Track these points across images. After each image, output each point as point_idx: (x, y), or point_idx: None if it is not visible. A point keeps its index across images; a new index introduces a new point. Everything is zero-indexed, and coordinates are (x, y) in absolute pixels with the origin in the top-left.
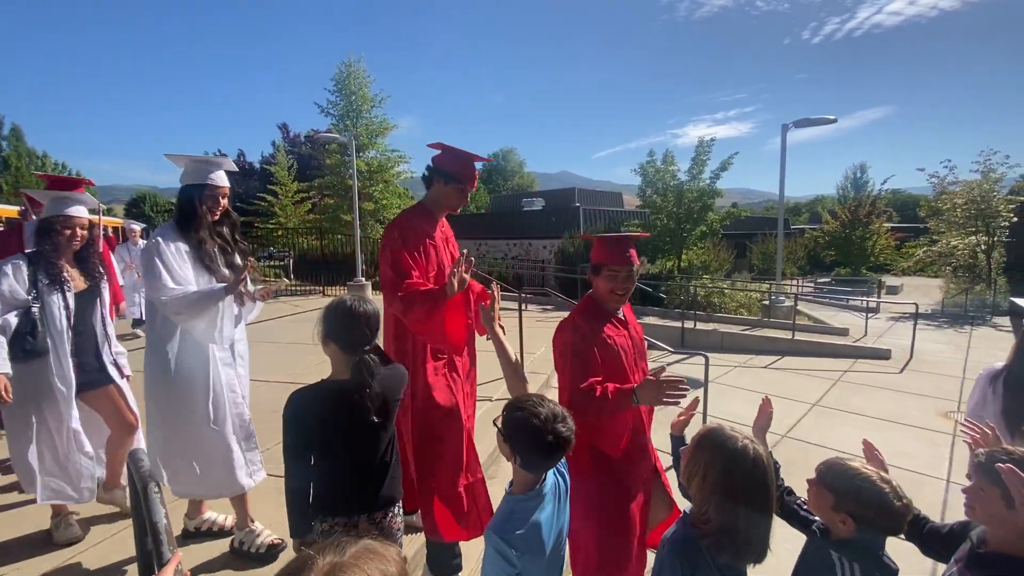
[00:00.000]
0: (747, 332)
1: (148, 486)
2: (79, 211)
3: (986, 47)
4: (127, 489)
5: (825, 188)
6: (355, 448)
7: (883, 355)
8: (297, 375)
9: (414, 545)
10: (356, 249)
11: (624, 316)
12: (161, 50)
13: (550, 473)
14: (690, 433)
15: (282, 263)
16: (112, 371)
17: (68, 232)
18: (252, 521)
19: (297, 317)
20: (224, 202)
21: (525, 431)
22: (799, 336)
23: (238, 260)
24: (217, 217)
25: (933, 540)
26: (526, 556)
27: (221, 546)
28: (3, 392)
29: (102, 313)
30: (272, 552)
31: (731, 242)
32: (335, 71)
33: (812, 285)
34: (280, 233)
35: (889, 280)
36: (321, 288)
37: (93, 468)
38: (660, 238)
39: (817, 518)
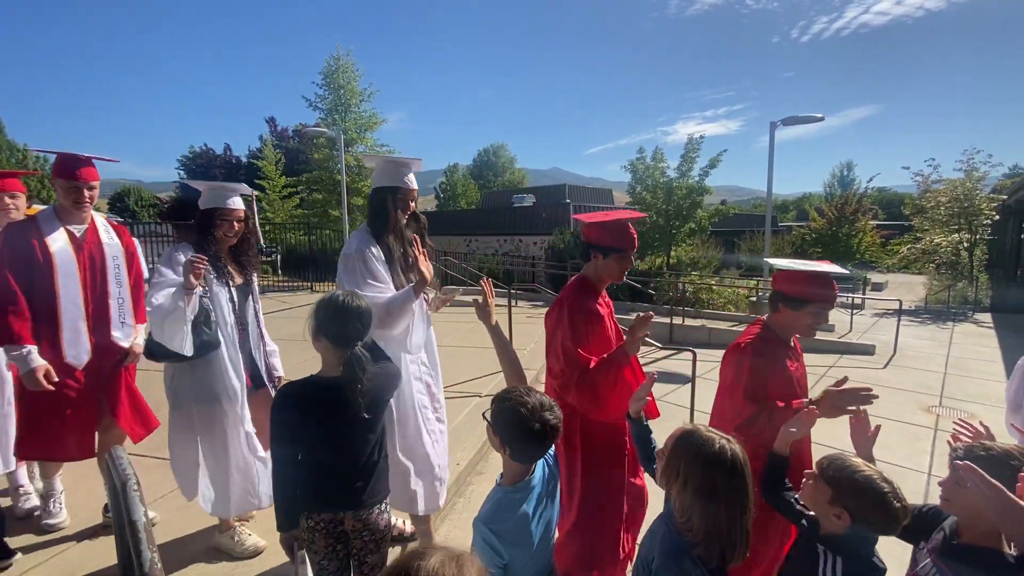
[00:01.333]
0: (735, 328)
1: (127, 484)
2: (237, 203)
3: (970, 48)
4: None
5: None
6: (344, 444)
7: (868, 351)
8: (285, 371)
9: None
10: (343, 243)
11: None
12: (144, 41)
13: (540, 466)
14: (662, 430)
15: (269, 259)
16: (264, 375)
17: (227, 225)
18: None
19: (285, 313)
20: (414, 205)
21: (513, 421)
22: None
23: (422, 265)
24: (406, 220)
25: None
26: (514, 547)
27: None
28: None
29: (255, 308)
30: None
31: (720, 239)
32: (324, 64)
33: None
34: (267, 228)
35: (874, 277)
36: (309, 284)
37: (267, 474)
38: (649, 235)
39: (811, 512)
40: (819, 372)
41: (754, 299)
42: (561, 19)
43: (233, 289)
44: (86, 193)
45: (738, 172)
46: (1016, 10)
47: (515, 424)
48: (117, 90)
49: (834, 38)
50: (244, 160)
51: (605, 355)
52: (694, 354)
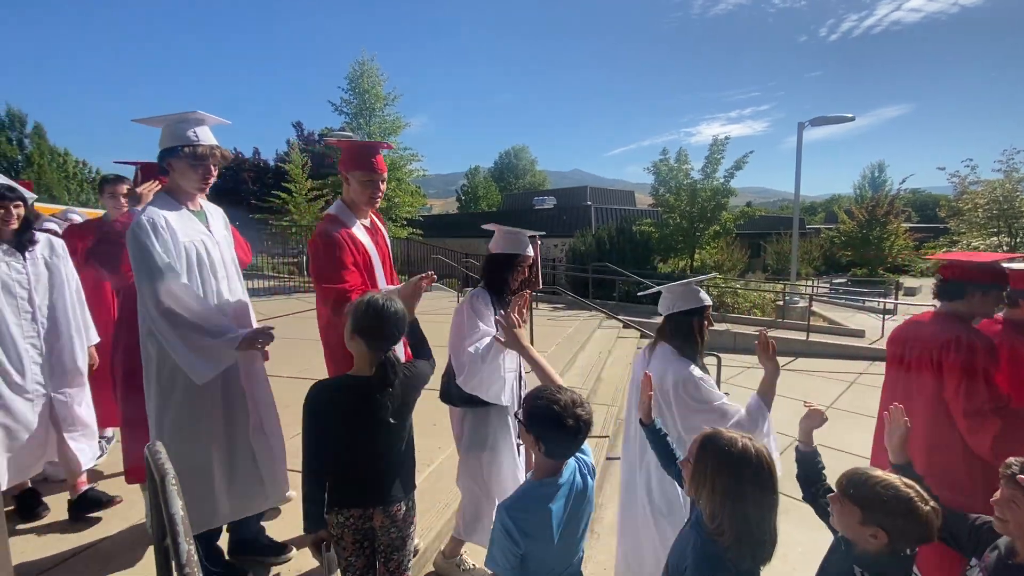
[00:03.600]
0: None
1: (166, 478)
2: (530, 251)
3: (1010, 43)
4: None
5: (842, 187)
6: (372, 443)
7: None
8: (305, 370)
9: (428, 535)
10: None
11: None
12: (174, 47)
13: (571, 467)
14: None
15: (296, 260)
16: None
17: (522, 271)
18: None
19: (308, 314)
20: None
21: (547, 418)
22: (814, 337)
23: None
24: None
25: (961, 531)
26: (533, 540)
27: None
28: None
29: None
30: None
31: (745, 241)
32: (349, 70)
33: (827, 286)
34: (294, 231)
35: (907, 281)
36: None
37: None
38: (673, 237)
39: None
40: (849, 379)
41: (780, 303)
42: (581, 19)
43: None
44: (381, 186)
45: (764, 174)
46: None
47: (549, 421)
48: (142, 95)
49: (864, 36)
50: (272, 164)
51: None
52: (719, 359)
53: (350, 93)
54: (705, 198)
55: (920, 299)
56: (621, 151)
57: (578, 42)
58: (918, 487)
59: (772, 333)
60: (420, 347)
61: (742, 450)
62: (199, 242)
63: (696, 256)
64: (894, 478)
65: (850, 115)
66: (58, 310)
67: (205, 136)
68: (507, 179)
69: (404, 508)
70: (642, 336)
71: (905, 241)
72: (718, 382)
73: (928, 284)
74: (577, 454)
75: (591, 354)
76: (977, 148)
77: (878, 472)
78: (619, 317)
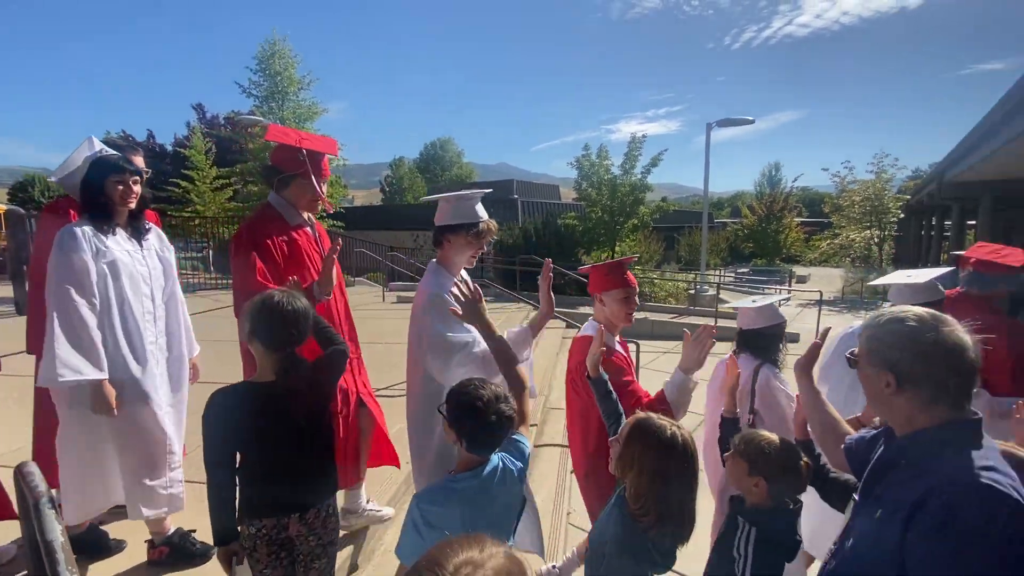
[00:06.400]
0: (674, 320)
1: (40, 502)
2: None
3: (879, 60)
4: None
5: (745, 184)
6: (282, 450)
7: (792, 339)
8: (217, 375)
9: (354, 541)
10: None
11: None
12: (48, 13)
13: (495, 463)
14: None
15: (200, 254)
16: None
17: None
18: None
19: (217, 313)
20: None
21: (469, 414)
22: (721, 322)
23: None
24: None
25: (832, 488)
26: (439, 533)
27: None
28: None
29: None
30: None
31: (661, 234)
32: (258, 49)
33: (733, 275)
34: (197, 222)
35: (799, 270)
36: None
37: None
38: (595, 230)
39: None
40: None
41: (692, 292)
42: (507, 15)
43: None
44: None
45: (678, 171)
46: (912, 29)
47: (471, 417)
48: (20, 64)
49: (763, 46)
50: (169, 149)
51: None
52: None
53: (260, 75)
54: (624, 193)
55: (809, 285)
56: (547, 146)
57: (504, 36)
58: (796, 447)
59: (684, 320)
60: (328, 341)
61: (671, 437)
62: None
63: (617, 248)
64: (776, 437)
65: (751, 118)
66: (170, 313)
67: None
68: (433, 170)
69: (324, 514)
70: (568, 326)
71: (797, 234)
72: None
73: (816, 272)
74: (507, 445)
75: None
76: (855, 151)
77: (765, 432)
78: None
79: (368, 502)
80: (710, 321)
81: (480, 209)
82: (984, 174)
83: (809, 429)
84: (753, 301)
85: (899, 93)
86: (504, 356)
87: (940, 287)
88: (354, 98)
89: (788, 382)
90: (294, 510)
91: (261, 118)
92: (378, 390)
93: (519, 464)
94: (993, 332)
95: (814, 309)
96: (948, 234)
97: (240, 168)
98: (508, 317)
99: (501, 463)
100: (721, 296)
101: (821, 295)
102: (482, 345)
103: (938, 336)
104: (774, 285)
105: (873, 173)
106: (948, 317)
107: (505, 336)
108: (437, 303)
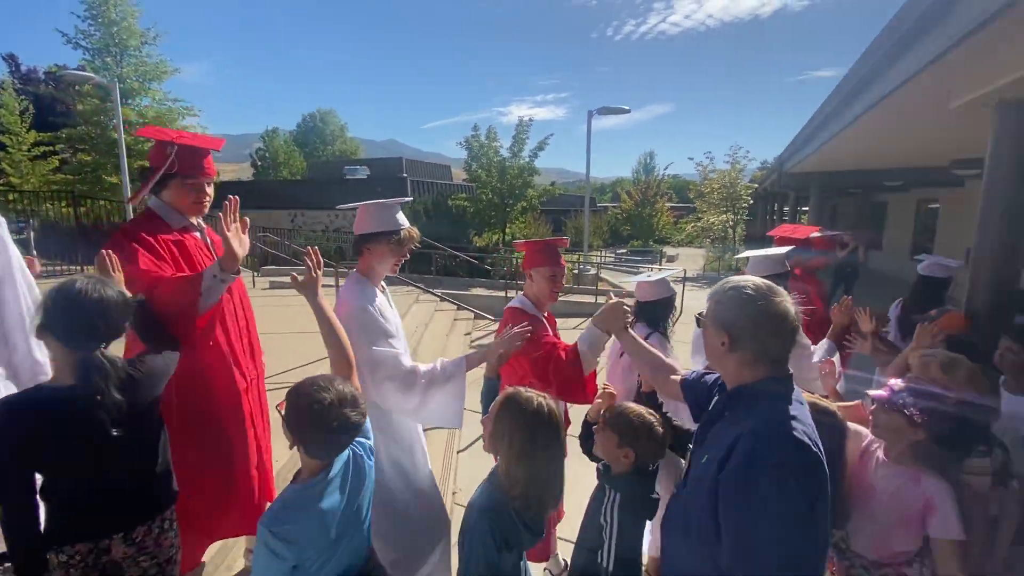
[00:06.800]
0: (560, 299)
1: None
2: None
3: (738, 61)
4: None
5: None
6: (90, 464)
7: None
8: None
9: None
10: (128, 218)
11: None
12: None
13: (346, 458)
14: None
15: (20, 236)
16: None
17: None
18: None
19: None
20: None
21: (307, 418)
22: (601, 300)
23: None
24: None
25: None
26: (304, 548)
27: None
28: None
29: None
30: None
31: (549, 217)
32: None
33: (613, 255)
34: (13, 197)
35: (668, 251)
36: (80, 267)
37: None
38: (486, 211)
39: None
40: None
41: (576, 271)
42: None
43: None
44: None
45: (564, 156)
46: (763, 37)
47: (309, 421)
48: None
49: (640, 40)
50: None
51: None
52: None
53: (90, 23)
54: (513, 175)
55: (677, 264)
56: (438, 124)
57: (390, 10)
58: (657, 415)
59: (568, 298)
60: (152, 335)
61: (537, 408)
62: None
63: (507, 230)
64: (643, 409)
65: (627, 108)
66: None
67: None
68: (313, 144)
69: (158, 530)
70: (459, 308)
71: (668, 218)
72: None
73: (683, 252)
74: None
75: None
76: (716, 143)
77: (632, 405)
78: (435, 292)
79: None
80: (592, 299)
81: (401, 216)
82: (811, 167)
83: (639, 374)
84: (648, 276)
85: (751, 93)
86: (332, 335)
87: (786, 262)
88: (217, 60)
89: (674, 350)
90: (115, 530)
91: (93, 75)
92: None
93: (367, 441)
94: (813, 298)
95: (680, 285)
96: (787, 218)
97: (67, 133)
98: (396, 301)
99: (350, 452)
100: (601, 275)
101: (685, 272)
102: (409, 359)
103: (767, 304)
104: (647, 264)
105: (729, 163)
106: (780, 288)
107: (438, 366)
108: (361, 317)
